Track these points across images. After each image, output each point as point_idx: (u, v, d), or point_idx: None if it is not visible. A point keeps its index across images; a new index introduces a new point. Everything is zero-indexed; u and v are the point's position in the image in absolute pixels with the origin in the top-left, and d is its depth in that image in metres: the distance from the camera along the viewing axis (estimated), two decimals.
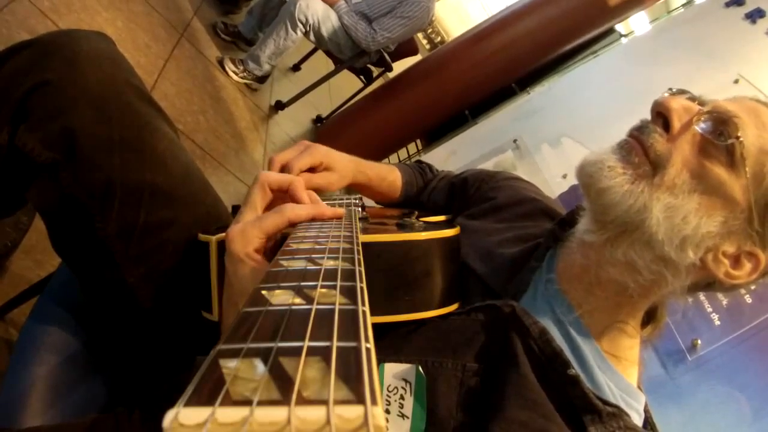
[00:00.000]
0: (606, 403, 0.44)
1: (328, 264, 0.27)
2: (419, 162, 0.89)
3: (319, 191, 0.56)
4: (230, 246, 0.40)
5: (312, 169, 0.61)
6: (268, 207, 0.44)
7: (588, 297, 0.52)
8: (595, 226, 0.51)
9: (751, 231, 0.46)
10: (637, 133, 0.50)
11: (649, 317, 0.55)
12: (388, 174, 0.76)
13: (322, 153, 0.61)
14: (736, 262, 0.48)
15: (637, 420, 0.48)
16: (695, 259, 0.46)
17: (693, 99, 0.52)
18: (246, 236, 0.39)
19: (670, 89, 0.54)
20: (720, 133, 0.47)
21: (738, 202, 0.46)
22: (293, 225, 0.40)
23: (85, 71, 0.54)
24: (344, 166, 0.64)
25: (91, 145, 0.53)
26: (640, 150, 0.49)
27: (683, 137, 0.48)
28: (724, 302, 1.21)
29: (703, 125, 0.48)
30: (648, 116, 0.52)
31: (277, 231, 0.40)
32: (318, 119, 2.96)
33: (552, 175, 1.70)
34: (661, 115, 0.50)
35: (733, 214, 0.46)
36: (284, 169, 0.57)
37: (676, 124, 0.49)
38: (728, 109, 0.48)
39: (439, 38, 7.48)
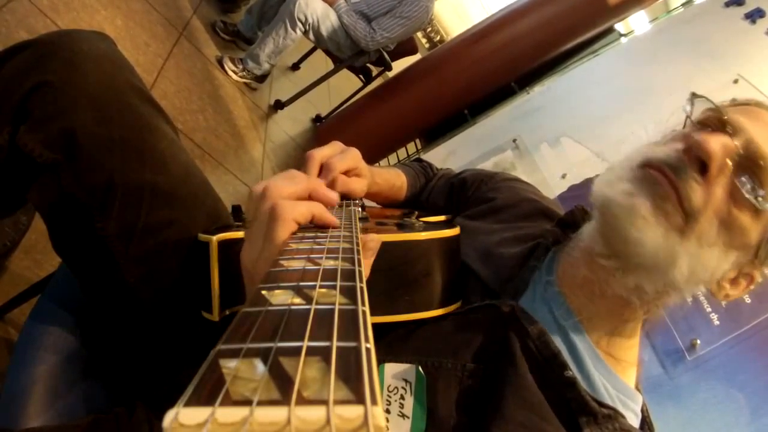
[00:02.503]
0: (602, 404, 0.44)
1: (328, 264, 0.27)
2: (419, 160, 0.89)
3: (346, 196, 0.55)
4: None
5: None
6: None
7: (589, 305, 0.52)
8: (609, 251, 0.49)
9: (753, 260, 0.48)
10: (673, 176, 0.46)
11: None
12: (396, 179, 0.76)
13: (358, 158, 0.57)
14: (733, 282, 0.50)
15: (634, 421, 0.48)
16: (702, 289, 0.49)
17: (712, 110, 0.50)
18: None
19: (693, 94, 0.51)
20: (754, 187, 0.46)
21: (753, 244, 0.47)
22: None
23: (86, 72, 0.54)
24: (367, 173, 0.62)
25: (92, 145, 0.53)
26: (676, 199, 0.45)
27: (718, 181, 0.46)
28: (723, 303, 1.21)
29: (742, 179, 0.46)
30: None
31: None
32: (317, 118, 2.96)
33: (551, 175, 1.70)
34: (698, 158, 0.46)
35: (744, 252, 0.48)
36: (323, 166, 0.54)
37: (715, 172, 0.45)
38: (763, 153, 0.46)
39: (438, 37, 7.47)
